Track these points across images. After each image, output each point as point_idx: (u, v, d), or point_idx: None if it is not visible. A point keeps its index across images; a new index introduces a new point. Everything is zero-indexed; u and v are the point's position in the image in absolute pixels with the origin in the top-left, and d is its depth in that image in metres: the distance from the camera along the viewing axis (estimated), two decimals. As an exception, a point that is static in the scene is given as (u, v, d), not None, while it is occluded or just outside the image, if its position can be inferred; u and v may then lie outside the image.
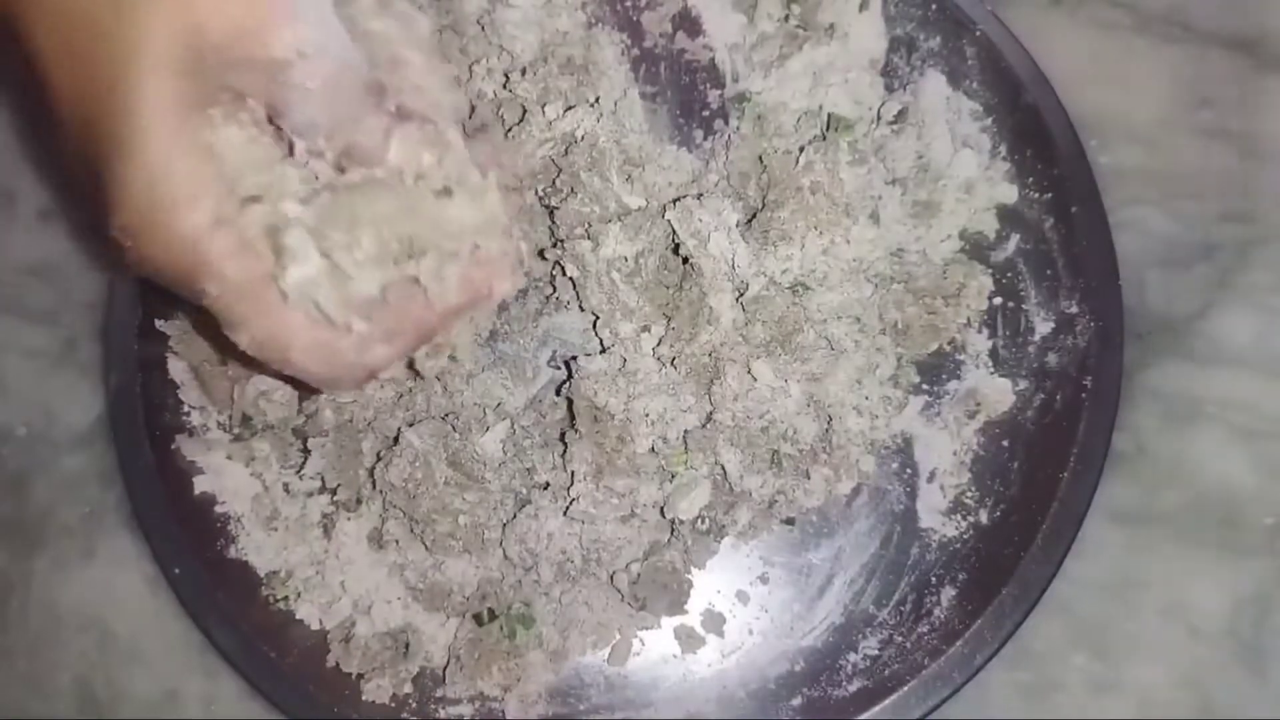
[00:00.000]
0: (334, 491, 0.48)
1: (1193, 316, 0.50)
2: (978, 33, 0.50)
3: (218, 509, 0.49)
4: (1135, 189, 0.51)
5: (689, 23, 0.52)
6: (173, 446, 0.49)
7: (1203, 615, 0.47)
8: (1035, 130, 0.49)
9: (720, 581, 0.48)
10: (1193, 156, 0.51)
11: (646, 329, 0.46)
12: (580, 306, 0.48)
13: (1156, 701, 0.46)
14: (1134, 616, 0.47)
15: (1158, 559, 0.47)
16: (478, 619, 0.46)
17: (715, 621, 0.47)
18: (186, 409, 0.50)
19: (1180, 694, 0.46)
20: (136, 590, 0.48)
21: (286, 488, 0.48)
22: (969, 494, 0.48)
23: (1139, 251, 0.49)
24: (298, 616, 0.47)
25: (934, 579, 0.47)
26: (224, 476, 0.49)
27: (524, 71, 0.49)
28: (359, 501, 0.48)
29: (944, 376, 0.49)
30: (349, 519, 0.48)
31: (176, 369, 0.49)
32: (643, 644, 0.47)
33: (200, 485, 0.49)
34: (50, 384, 0.51)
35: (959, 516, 0.48)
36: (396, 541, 0.47)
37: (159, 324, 0.49)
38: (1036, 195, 0.49)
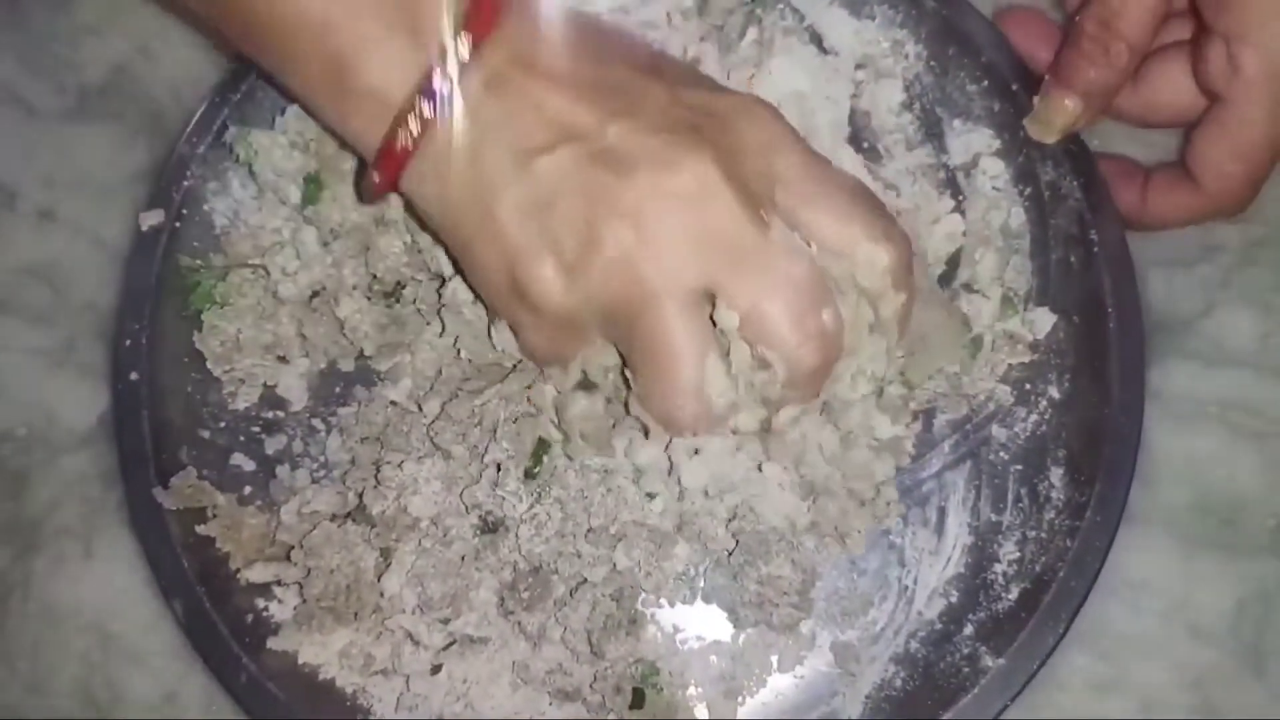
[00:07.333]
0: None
1: (1195, 316, 0.50)
2: (976, 38, 0.50)
3: (218, 509, 0.48)
4: (1137, 188, 0.51)
5: None
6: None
7: (1205, 616, 0.47)
8: (1037, 130, 0.49)
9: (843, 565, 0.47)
10: (1195, 156, 0.51)
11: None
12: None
13: (1157, 702, 0.46)
14: (1135, 617, 0.47)
15: (1159, 559, 0.47)
16: None
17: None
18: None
19: (1182, 695, 0.46)
20: (136, 590, 0.48)
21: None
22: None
23: (1140, 251, 0.49)
24: (298, 618, 0.47)
25: (1035, 468, 0.47)
26: (224, 476, 0.49)
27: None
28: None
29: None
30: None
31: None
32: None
33: (200, 485, 0.48)
34: (50, 384, 0.51)
35: (1030, 402, 0.48)
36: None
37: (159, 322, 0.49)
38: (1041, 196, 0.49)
